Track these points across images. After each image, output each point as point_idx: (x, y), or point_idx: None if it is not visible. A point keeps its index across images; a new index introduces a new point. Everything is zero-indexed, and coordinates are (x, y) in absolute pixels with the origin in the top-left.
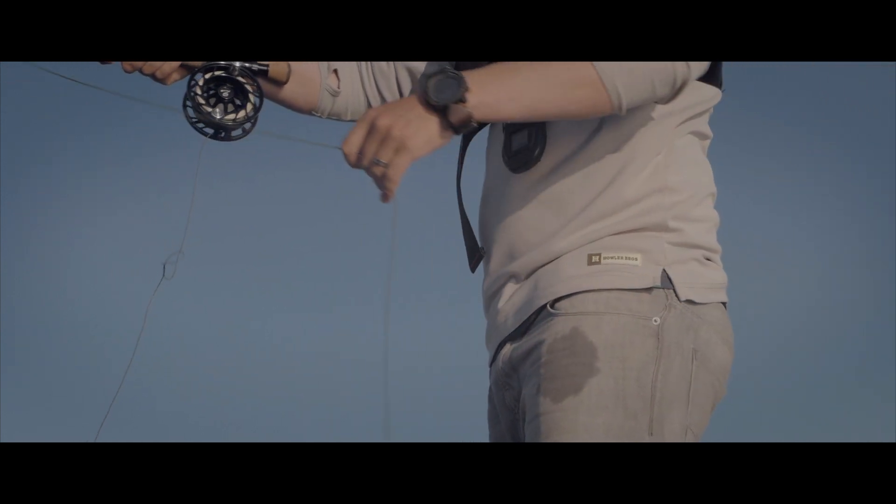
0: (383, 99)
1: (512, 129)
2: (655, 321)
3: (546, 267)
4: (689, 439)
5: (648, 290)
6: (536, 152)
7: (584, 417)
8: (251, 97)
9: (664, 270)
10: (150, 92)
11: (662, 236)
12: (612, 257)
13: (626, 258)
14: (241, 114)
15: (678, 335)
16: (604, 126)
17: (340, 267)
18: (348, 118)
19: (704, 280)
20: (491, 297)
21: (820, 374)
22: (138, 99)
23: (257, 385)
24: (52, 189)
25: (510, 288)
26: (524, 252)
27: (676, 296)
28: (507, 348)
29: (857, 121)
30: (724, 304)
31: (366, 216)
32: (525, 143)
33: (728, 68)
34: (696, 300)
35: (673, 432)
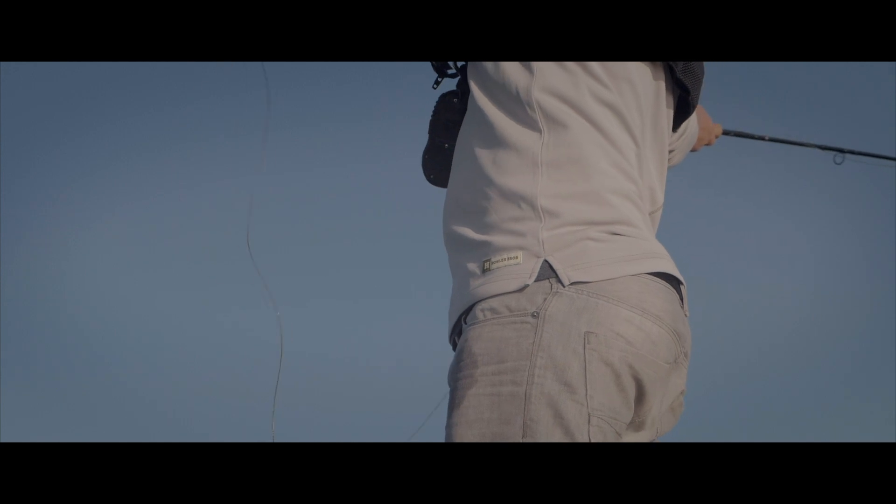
0: None
1: None
2: (534, 315)
3: (459, 280)
4: (595, 425)
5: (528, 286)
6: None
7: (463, 430)
8: None
9: (545, 261)
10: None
11: (538, 225)
12: (498, 261)
13: (508, 259)
14: None
15: (565, 321)
16: (475, 124)
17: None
18: None
19: (603, 255)
20: None
21: (820, 374)
22: None
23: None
24: (47, 190)
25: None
26: (450, 265)
27: (560, 282)
28: None
29: (857, 120)
30: (656, 274)
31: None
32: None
33: (729, 68)
34: (591, 279)
35: (573, 422)
